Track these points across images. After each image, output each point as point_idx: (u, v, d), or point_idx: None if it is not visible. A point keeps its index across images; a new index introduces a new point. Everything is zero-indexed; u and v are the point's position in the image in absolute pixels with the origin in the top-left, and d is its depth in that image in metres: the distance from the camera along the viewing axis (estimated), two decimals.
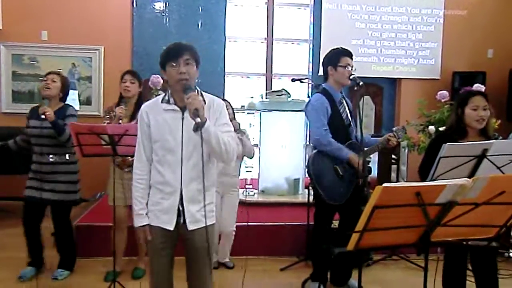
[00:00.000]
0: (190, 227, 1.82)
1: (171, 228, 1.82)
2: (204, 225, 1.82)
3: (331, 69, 2.79)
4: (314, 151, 2.75)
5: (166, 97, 1.85)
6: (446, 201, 1.38)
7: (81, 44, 5.05)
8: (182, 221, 1.82)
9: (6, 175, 4.34)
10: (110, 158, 2.99)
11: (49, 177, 2.91)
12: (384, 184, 1.31)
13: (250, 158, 3.43)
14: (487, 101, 2.36)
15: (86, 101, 5.10)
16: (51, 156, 2.90)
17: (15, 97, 5.07)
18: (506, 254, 3.53)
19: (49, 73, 3.00)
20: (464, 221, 1.45)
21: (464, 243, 1.76)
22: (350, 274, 3.00)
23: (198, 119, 1.66)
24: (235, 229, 3.33)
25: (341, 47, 2.84)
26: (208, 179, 1.83)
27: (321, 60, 2.95)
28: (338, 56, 2.78)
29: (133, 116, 2.91)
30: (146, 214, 1.86)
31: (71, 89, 4.83)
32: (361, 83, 2.79)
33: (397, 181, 4.99)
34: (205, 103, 1.78)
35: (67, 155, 2.94)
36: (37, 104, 3.05)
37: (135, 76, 3.03)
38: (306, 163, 2.79)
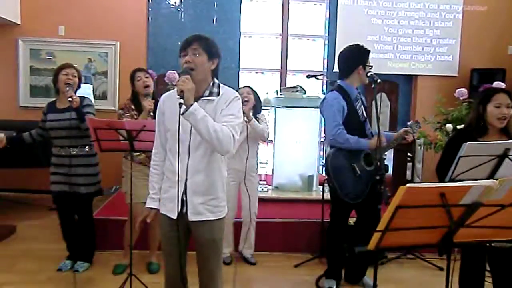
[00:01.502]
0: (191, 218, 1.83)
1: (174, 216, 1.84)
2: (206, 218, 1.84)
3: (361, 68, 2.75)
4: (332, 149, 2.73)
5: None
6: (471, 202, 1.36)
7: (97, 39, 5.11)
8: (185, 211, 1.84)
9: (26, 168, 4.44)
10: (122, 156, 3.04)
11: (72, 169, 2.93)
12: (408, 184, 1.29)
13: (264, 140, 3.40)
14: (510, 99, 2.30)
15: (101, 96, 5.15)
16: (72, 148, 2.93)
17: (32, 91, 5.15)
18: None
19: (66, 66, 2.98)
20: (487, 223, 1.43)
21: (488, 244, 1.73)
22: (365, 272, 2.99)
23: (181, 101, 1.67)
24: (256, 211, 3.32)
25: (362, 45, 2.81)
26: (215, 172, 1.84)
27: (341, 57, 2.88)
28: (367, 56, 2.77)
29: (155, 112, 2.91)
30: (158, 199, 1.92)
31: (86, 83, 4.96)
32: (379, 80, 2.77)
33: (412, 179, 4.96)
34: (218, 95, 1.82)
35: (86, 147, 2.98)
36: (54, 99, 3.09)
37: (147, 72, 3.07)
38: (324, 161, 2.78)
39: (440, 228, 1.44)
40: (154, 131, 2.51)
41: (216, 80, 1.87)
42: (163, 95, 1.98)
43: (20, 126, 4.41)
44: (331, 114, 2.70)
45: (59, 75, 2.94)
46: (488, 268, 2.40)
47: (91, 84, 5.08)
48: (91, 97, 5.08)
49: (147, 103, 2.89)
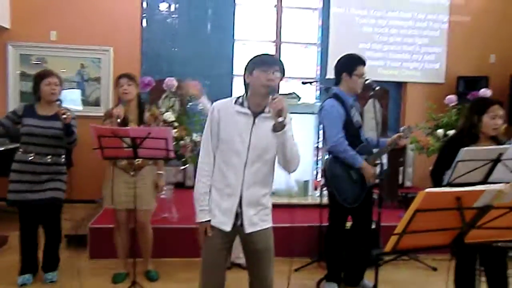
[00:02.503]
0: (248, 230, 1.86)
1: (228, 229, 1.86)
2: (260, 228, 1.88)
3: (345, 75, 2.80)
4: (330, 156, 2.81)
5: (240, 100, 1.88)
6: (483, 205, 1.44)
7: (90, 45, 5.06)
8: (239, 223, 1.86)
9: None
10: (109, 161, 2.97)
11: (44, 177, 2.83)
12: (427, 189, 1.36)
13: None
14: (502, 109, 2.43)
15: (94, 103, 5.10)
16: (49, 156, 2.83)
17: (22, 97, 5.04)
18: (511, 254, 3.60)
19: (47, 75, 2.85)
20: (496, 224, 1.51)
21: (494, 244, 1.82)
22: (363, 275, 3.05)
23: (281, 118, 1.70)
24: None
25: (357, 55, 2.86)
26: (267, 184, 1.91)
27: (333, 64, 2.95)
28: (355, 64, 2.80)
29: (140, 119, 2.92)
30: (209, 210, 1.90)
31: (73, 88, 4.84)
32: (377, 87, 2.87)
33: (403, 183, 5.08)
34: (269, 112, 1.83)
35: (61, 157, 2.91)
36: (32, 103, 2.92)
37: (131, 79, 2.95)
38: (323, 167, 2.84)
39: (453, 230, 1.51)
40: (158, 138, 2.58)
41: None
42: (216, 104, 1.92)
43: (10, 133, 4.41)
44: (332, 122, 2.75)
45: (41, 85, 2.83)
46: (483, 267, 2.50)
47: (80, 89, 5.03)
48: (78, 103, 5.05)
49: (116, 110, 2.88)
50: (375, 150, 2.85)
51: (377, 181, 2.86)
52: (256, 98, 1.84)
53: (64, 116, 2.69)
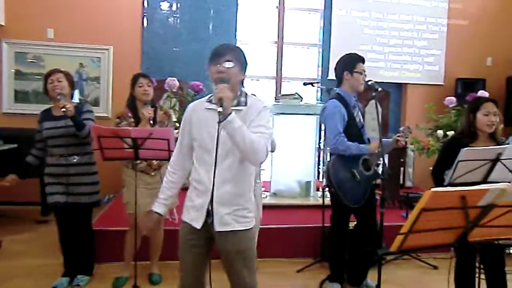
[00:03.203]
0: (217, 228, 1.80)
1: (198, 226, 1.82)
2: (232, 229, 1.81)
3: (347, 74, 2.82)
4: (333, 156, 2.80)
5: (211, 97, 1.86)
6: (486, 204, 1.45)
7: (89, 44, 4.96)
8: (210, 221, 1.80)
9: None
10: (122, 165, 2.95)
11: (72, 179, 2.82)
12: (433, 189, 1.37)
13: (272, 151, 3.45)
14: (497, 108, 2.48)
15: (94, 102, 5.01)
16: (72, 156, 2.81)
17: (17, 96, 4.93)
18: (507, 251, 3.62)
19: (51, 73, 2.84)
20: (499, 222, 1.53)
21: (496, 242, 1.84)
22: (366, 274, 3.06)
23: (220, 108, 1.64)
24: (261, 216, 3.28)
25: (356, 53, 2.89)
26: (242, 182, 1.83)
27: (334, 65, 2.96)
28: (355, 62, 2.83)
29: (154, 118, 2.89)
30: (166, 205, 1.95)
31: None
32: (379, 89, 2.88)
33: (404, 183, 5.11)
34: (246, 105, 1.81)
35: (87, 155, 2.87)
36: (49, 106, 2.93)
37: (150, 79, 2.97)
38: (326, 169, 2.84)
39: (457, 228, 1.53)
40: (160, 139, 2.54)
41: (243, 90, 1.86)
42: (190, 104, 1.95)
43: (4, 133, 4.30)
44: (333, 123, 2.75)
45: (47, 85, 2.81)
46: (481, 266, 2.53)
47: (79, 89, 4.91)
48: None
49: (147, 111, 2.82)
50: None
51: (376, 182, 2.88)
52: None
53: (64, 109, 2.64)
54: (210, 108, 1.82)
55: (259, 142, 1.71)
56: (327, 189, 4.11)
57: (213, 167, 1.76)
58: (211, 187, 1.76)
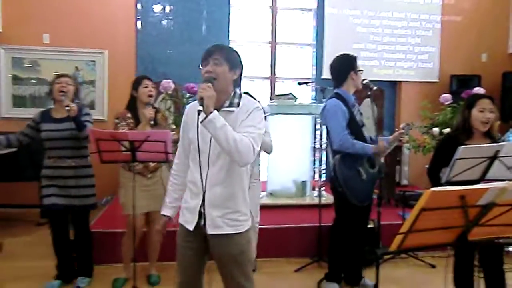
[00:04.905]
0: (209, 231, 1.79)
1: (191, 228, 1.82)
2: (223, 232, 1.79)
3: (353, 74, 2.86)
4: (337, 156, 2.78)
5: None
6: (486, 203, 1.45)
7: (84, 48, 5.02)
8: (203, 223, 1.79)
9: (11, 182, 4.30)
10: (120, 166, 2.97)
11: (71, 181, 2.86)
12: (432, 188, 1.37)
13: (268, 153, 3.45)
14: (493, 104, 2.48)
15: (89, 106, 5.02)
16: (72, 159, 2.85)
17: (15, 101, 5.00)
18: (506, 249, 3.65)
19: (60, 76, 2.93)
20: (498, 221, 1.53)
21: (496, 241, 1.84)
22: (361, 273, 3.06)
23: (200, 108, 1.63)
24: (258, 220, 3.31)
25: (348, 53, 2.94)
26: (234, 185, 1.80)
27: (328, 64, 3.00)
28: (355, 61, 2.90)
29: (155, 120, 2.90)
30: (173, 207, 1.96)
31: None
32: (374, 87, 2.91)
33: (400, 181, 5.12)
34: (239, 106, 1.78)
35: (86, 158, 2.91)
36: (49, 108, 2.98)
37: (154, 82, 3.02)
38: (332, 169, 2.83)
39: (457, 228, 1.53)
40: (157, 141, 2.56)
41: (238, 91, 1.84)
42: (188, 105, 1.95)
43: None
44: (335, 121, 2.76)
45: (53, 85, 2.89)
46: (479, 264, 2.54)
47: None
48: None
49: (148, 111, 2.85)
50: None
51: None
52: None
53: (68, 108, 2.70)
54: (201, 110, 1.78)
55: (244, 142, 1.67)
56: (325, 188, 4.19)
57: (206, 169, 1.76)
58: (203, 189, 1.77)
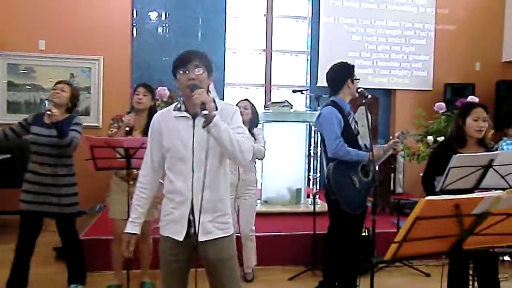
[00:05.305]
0: (201, 238, 1.75)
1: (181, 239, 1.77)
2: (214, 237, 1.79)
3: (349, 82, 2.88)
4: (332, 164, 2.78)
5: (178, 105, 1.83)
6: (481, 212, 1.45)
7: (80, 54, 5.01)
8: (193, 232, 1.76)
9: (5, 189, 4.23)
10: (113, 171, 2.96)
11: (52, 189, 2.80)
12: (427, 197, 1.37)
13: (260, 159, 3.43)
14: (486, 113, 2.50)
15: (85, 112, 5.04)
16: (55, 167, 2.80)
17: (10, 107, 4.98)
18: (501, 258, 3.65)
19: (58, 82, 2.93)
20: (493, 230, 1.53)
21: (491, 250, 1.84)
22: (356, 282, 3.04)
23: (205, 112, 1.62)
24: (253, 228, 3.30)
25: (348, 62, 2.95)
26: (220, 188, 1.81)
27: (323, 72, 3.01)
28: (352, 70, 2.91)
29: (146, 129, 2.88)
30: (140, 223, 1.85)
31: None
32: (369, 95, 2.92)
33: (394, 189, 5.13)
34: (216, 109, 1.77)
35: (67, 168, 2.86)
36: (42, 112, 2.92)
37: (149, 89, 3.00)
38: (326, 176, 2.83)
39: (451, 237, 1.53)
40: None
41: (210, 95, 1.82)
42: (156, 115, 1.90)
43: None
44: (330, 128, 2.76)
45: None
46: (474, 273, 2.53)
47: None
48: None
49: (127, 117, 2.87)
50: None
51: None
52: (189, 100, 1.74)
53: (49, 112, 2.64)
54: (181, 116, 1.80)
55: (245, 142, 1.73)
56: (319, 196, 4.18)
57: (191, 176, 1.74)
58: (190, 196, 1.75)
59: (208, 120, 1.63)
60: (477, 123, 2.46)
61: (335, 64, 2.96)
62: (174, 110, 1.83)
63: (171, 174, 1.79)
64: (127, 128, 2.84)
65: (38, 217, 2.84)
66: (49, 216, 2.86)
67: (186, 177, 1.74)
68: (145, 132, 2.85)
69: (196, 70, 1.75)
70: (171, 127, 1.79)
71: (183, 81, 1.75)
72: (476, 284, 2.45)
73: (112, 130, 2.93)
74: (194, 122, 1.77)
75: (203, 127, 1.65)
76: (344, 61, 2.97)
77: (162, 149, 1.82)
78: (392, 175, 5.05)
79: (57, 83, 2.94)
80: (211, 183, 1.76)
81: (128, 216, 2.75)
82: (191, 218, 1.76)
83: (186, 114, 1.79)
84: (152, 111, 2.99)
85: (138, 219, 1.85)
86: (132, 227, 1.84)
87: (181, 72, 1.76)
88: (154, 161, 1.86)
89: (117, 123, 2.95)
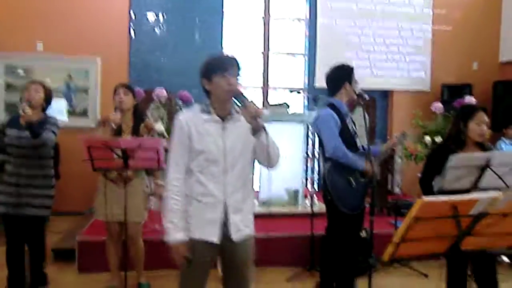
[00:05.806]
0: (235, 237, 1.80)
1: (216, 239, 1.78)
2: (245, 234, 1.84)
3: (347, 84, 2.87)
4: (328, 164, 2.79)
5: (205, 108, 1.82)
6: (478, 212, 1.46)
7: (77, 55, 5.00)
8: (225, 232, 1.79)
9: None
10: (100, 172, 2.92)
11: (29, 190, 2.78)
12: (424, 198, 1.38)
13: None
14: (486, 116, 2.51)
15: (82, 113, 5.05)
16: (32, 169, 2.78)
17: (8, 109, 4.96)
18: (499, 259, 3.66)
19: (30, 83, 2.88)
20: (491, 230, 1.54)
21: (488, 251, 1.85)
22: (354, 283, 3.04)
23: (260, 120, 1.69)
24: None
25: (344, 63, 2.95)
26: (249, 189, 1.87)
27: (321, 73, 3.03)
28: (352, 72, 2.91)
29: (134, 129, 2.88)
30: (182, 227, 1.82)
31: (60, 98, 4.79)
32: (367, 97, 2.92)
33: (392, 190, 5.13)
34: (238, 112, 1.82)
35: (44, 170, 2.84)
36: (18, 114, 2.86)
37: (129, 88, 2.96)
38: (322, 176, 2.83)
39: (449, 237, 1.53)
40: (149, 148, 2.55)
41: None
42: (182, 119, 1.83)
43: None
44: (328, 129, 2.76)
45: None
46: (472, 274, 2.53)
47: (66, 99, 4.98)
48: (63, 114, 4.98)
49: (112, 115, 2.84)
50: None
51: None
52: (221, 104, 1.79)
53: (22, 112, 2.63)
54: (209, 119, 1.82)
55: (278, 147, 1.81)
56: (317, 196, 4.18)
57: (223, 178, 1.78)
58: (223, 198, 1.77)
59: (260, 127, 1.70)
60: (480, 127, 2.46)
61: (335, 66, 2.96)
62: (201, 112, 1.82)
63: (203, 177, 1.79)
64: (113, 125, 2.81)
65: (20, 218, 2.80)
66: (23, 218, 2.80)
67: (218, 180, 1.78)
68: (133, 132, 2.88)
69: (236, 77, 1.78)
70: (201, 130, 1.79)
71: (223, 85, 1.75)
72: (474, 285, 2.47)
73: (98, 130, 2.91)
74: (223, 124, 1.81)
75: (254, 134, 1.71)
76: (344, 63, 2.96)
77: (191, 152, 1.80)
78: (390, 175, 5.06)
79: (31, 82, 2.89)
80: (242, 184, 1.82)
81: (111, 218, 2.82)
82: (225, 219, 1.79)
83: (215, 117, 1.81)
84: (136, 110, 2.98)
85: (180, 222, 1.80)
86: (178, 234, 1.78)
87: (223, 75, 1.75)
88: (185, 165, 1.83)
89: (103, 126, 2.91)
